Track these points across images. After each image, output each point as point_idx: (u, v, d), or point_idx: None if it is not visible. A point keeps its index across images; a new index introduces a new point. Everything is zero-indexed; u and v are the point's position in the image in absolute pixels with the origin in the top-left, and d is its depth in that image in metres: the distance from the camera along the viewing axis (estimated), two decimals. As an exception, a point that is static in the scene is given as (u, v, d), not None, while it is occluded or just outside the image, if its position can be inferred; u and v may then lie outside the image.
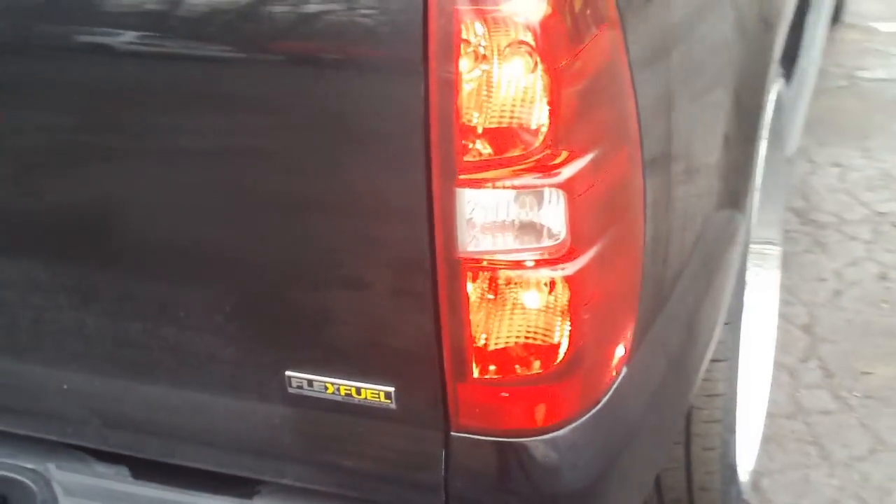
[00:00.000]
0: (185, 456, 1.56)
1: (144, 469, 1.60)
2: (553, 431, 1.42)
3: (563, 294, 1.34)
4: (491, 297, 1.33)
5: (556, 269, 1.32)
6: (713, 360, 2.10)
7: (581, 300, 1.35)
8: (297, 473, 1.52)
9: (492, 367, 1.36)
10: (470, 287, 1.32)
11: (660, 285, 1.57)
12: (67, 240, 1.47)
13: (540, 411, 1.41)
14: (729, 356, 2.16)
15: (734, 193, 1.90)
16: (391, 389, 1.40)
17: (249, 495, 1.56)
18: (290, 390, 1.44)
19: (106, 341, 1.51)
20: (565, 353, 1.37)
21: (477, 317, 1.33)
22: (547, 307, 1.33)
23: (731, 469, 2.32)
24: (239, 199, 1.35)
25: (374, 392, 1.41)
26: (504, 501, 1.45)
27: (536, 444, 1.41)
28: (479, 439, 1.41)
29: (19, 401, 1.60)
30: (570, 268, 1.32)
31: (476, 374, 1.36)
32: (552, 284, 1.33)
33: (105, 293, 1.50)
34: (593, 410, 1.45)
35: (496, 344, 1.35)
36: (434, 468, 1.44)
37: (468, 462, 1.42)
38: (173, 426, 1.55)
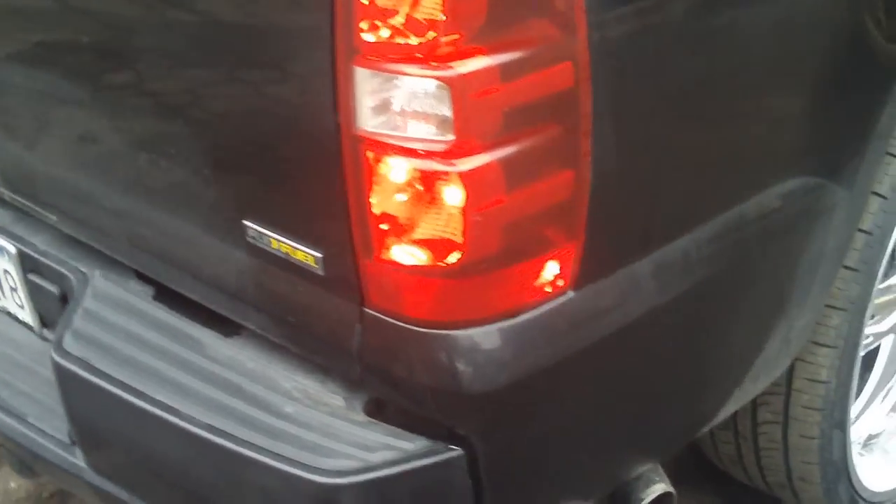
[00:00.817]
0: (184, 286, 1.72)
1: (164, 294, 1.78)
2: (451, 329, 1.45)
3: (455, 191, 1.36)
4: (389, 180, 1.37)
5: (447, 164, 1.34)
6: (816, 343, 1.99)
7: (477, 201, 1.36)
8: (257, 321, 1.65)
9: (393, 251, 1.41)
10: (368, 167, 1.37)
11: (642, 223, 1.57)
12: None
13: (439, 306, 1.44)
14: (838, 344, 2.03)
15: (827, 162, 1.83)
16: (319, 255, 1.49)
17: (230, 334, 1.70)
18: (248, 238, 1.56)
19: (131, 171, 1.73)
20: (462, 253, 1.38)
21: (377, 198, 1.38)
22: (439, 202, 1.36)
23: (835, 467, 2.18)
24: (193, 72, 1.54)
25: (305, 255, 1.50)
26: (409, 385, 1.49)
27: (434, 338, 1.45)
28: (386, 320, 1.47)
29: (81, 212, 1.85)
30: (463, 165, 1.34)
31: (381, 254, 1.42)
32: (444, 179, 1.35)
33: (126, 139, 1.74)
34: (508, 320, 1.45)
35: (395, 229, 1.40)
36: (353, 339, 1.51)
37: (378, 340, 1.48)
38: (176, 257, 1.72)
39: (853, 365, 2.10)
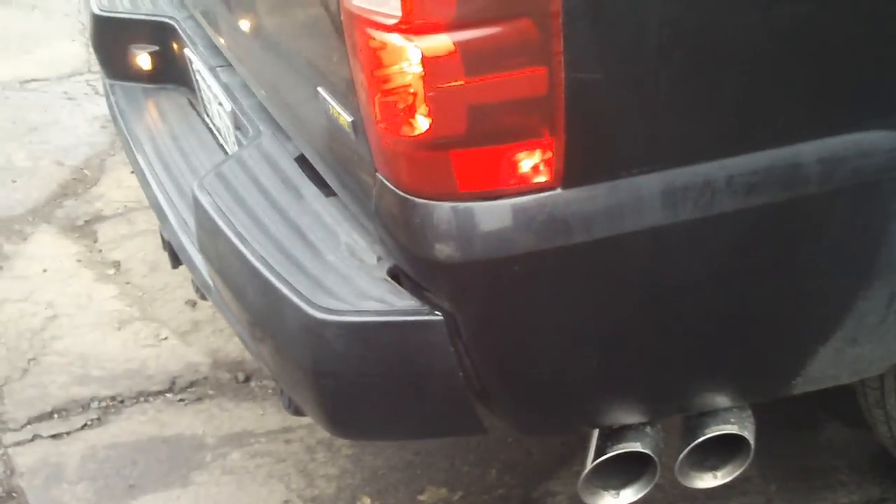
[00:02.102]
0: (306, 149, 2.04)
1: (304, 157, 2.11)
2: (430, 199, 1.63)
3: (416, 66, 1.55)
4: (370, 54, 1.58)
5: (407, 39, 1.53)
6: None
7: (436, 80, 1.53)
8: (333, 181, 1.93)
9: (384, 120, 1.63)
10: (354, 40, 1.60)
11: (644, 136, 1.61)
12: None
13: (419, 176, 1.63)
14: None
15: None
16: (350, 119, 1.74)
17: (329, 195, 2.00)
18: (319, 104, 1.84)
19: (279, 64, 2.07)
20: (429, 127, 1.57)
21: (366, 70, 1.60)
22: (405, 73, 1.56)
23: None
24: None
25: (344, 120, 1.76)
26: (399, 247, 1.70)
27: (413, 205, 1.64)
28: (386, 185, 1.67)
29: (266, 89, 2.24)
30: (422, 42, 1.52)
31: (378, 123, 1.64)
32: (407, 53, 1.54)
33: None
34: (487, 201, 1.62)
35: (383, 100, 1.61)
36: (372, 201, 1.76)
37: (384, 203, 1.69)
38: (301, 122, 2.03)
39: None
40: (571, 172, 1.57)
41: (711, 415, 1.93)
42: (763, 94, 1.61)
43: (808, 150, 1.65)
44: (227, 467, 2.56)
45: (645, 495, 2.27)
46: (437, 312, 1.66)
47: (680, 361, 1.80)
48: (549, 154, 1.55)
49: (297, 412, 1.93)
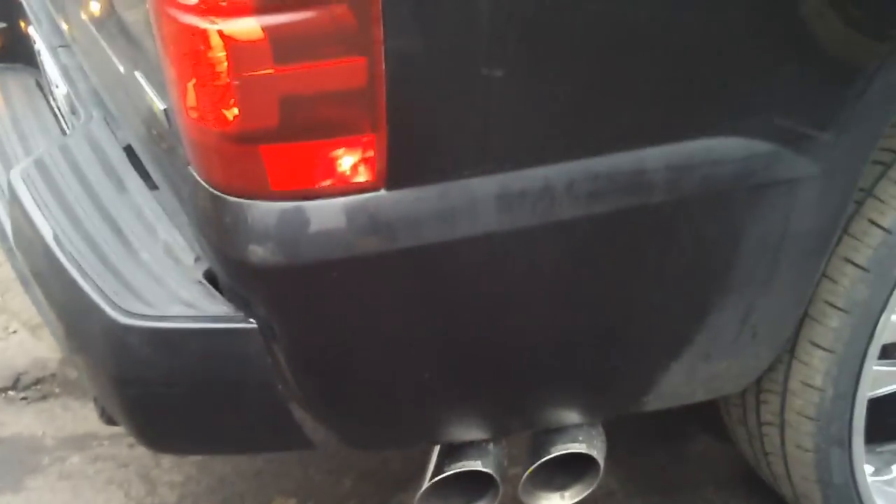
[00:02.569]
0: (130, 137, 1.88)
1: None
2: (241, 197, 1.49)
3: (219, 51, 1.40)
4: (175, 34, 1.44)
5: (209, 21, 1.38)
6: (812, 343, 1.82)
7: (242, 67, 1.39)
8: (154, 174, 1.77)
9: (191, 109, 1.47)
10: (158, 16, 1.45)
11: (475, 136, 1.49)
12: None
13: (229, 171, 1.49)
14: (837, 349, 1.84)
15: (778, 126, 1.62)
16: (162, 107, 1.59)
17: (153, 188, 1.84)
18: (137, 90, 1.68)
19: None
20: (235, 118, 1.43)
21: (172, 53, 1.45)
22: (209, 59, 1.41)
23: (839, 492, 1.97)
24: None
25: (157, 108, 1.61)
26: (211, 246, 1.56)
27: (224, 203, 1.50)
28: (197, 180, 1.54)
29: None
30: (226, 25, 1.37)
31: (186, 112, 1.49)
32: (210, 37, 1.40)
33: None
34: (302, 202, 1.47)
35: (185, 78, 1.46)
36: (188, 197, 1.61)
37: (199, 199, 1.56)
38: (119, 104, 1.87)
39: (856, 377, 1.85)
40: (396, 173, 1.44)
41: (558, 432, 1.82)
42: (605, 94, 1.49)
43: (654, 156, 1.54)
44: (64, 472, 2.41)
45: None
46: (251, 320, 1.51)
47: (520, 376, 1.68)
48: (369, 152, 1.42)
49: (110, 422, 1.78)
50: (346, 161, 1.44)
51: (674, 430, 2.54)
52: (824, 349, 1.82)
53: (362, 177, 1.44)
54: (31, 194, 1.78)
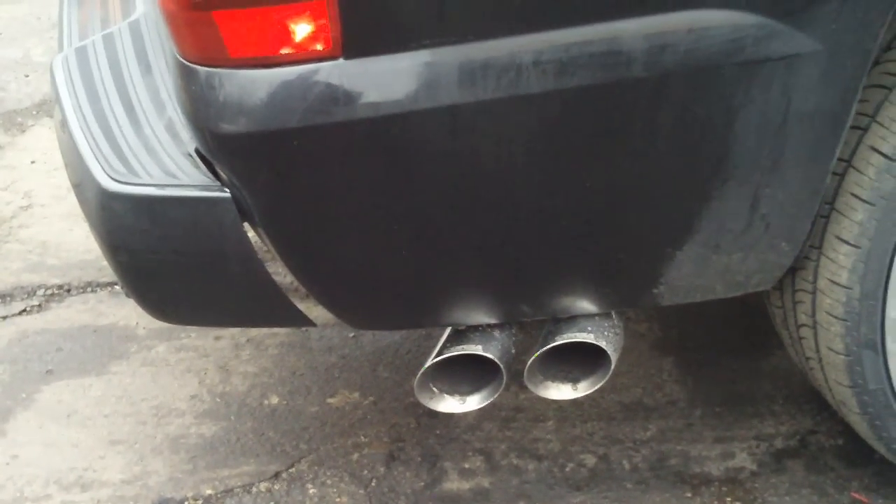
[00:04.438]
0: None
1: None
2: (205, 65, 1.54)
3: None
4: None
5: None
6: (839, 238, 1.76)
7: None
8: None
9: None
10: None
11: (434, 3, 1.48)
12: None
13: (195, 39, 1.54)
14: (862, 244, 1.76)
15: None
16: None
17: None
18: None
19: None
20: None
21: None
22: None
23: (876, 399, 1.89)
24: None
25: None
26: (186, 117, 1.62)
27: (190, 71, 1.55)
28: (176, 54, 1.60)
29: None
30: None
31: None
32: None
33: None
34: (262, 69, 1.51)
35: None
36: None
37: (180, 71, 1.62)
38: None
39: (885, 275, 1.76)
40: (352, 41, 1.45)
41: (568, 321, 1.80)
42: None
43: (631, 28, 1.48)
44: (148, 359, 2.52)
45: (559, 411, 2.16)
46: (225, 189, 1.55)
47: (506, 259, 1.66)
48: (321, 20, 1.44)
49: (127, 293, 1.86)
50: (301, 28, 1.45)
51: (749, 343, 2.45)
52: (850, 244, 1.73)
53: (319, 45, 1.45)
54: (64, 77, 1.85)
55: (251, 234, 1.64)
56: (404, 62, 1.46)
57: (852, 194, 1.70)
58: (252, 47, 1.45)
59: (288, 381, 2.44)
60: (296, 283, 1.68)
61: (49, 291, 2.77)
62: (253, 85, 1.46)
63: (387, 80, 1.47)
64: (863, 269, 1.73)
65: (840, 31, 1.51)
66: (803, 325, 1.88)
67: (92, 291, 2.78)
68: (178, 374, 2.47)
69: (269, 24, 1.43)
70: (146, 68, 1.87)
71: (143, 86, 1.82)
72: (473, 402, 1.82)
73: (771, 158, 1.60)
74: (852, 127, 1.64)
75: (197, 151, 1.63)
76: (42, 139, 3.43)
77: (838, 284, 1.76)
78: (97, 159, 1.63)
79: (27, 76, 3.78)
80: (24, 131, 3.48)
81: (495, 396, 1.81)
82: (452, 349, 1.75)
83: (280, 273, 1.70)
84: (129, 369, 2.49)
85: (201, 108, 1.49)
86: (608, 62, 1.49)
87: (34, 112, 3.59)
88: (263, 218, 1.55)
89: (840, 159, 1.67)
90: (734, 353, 2.43)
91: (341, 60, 1.45)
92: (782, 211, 1.66)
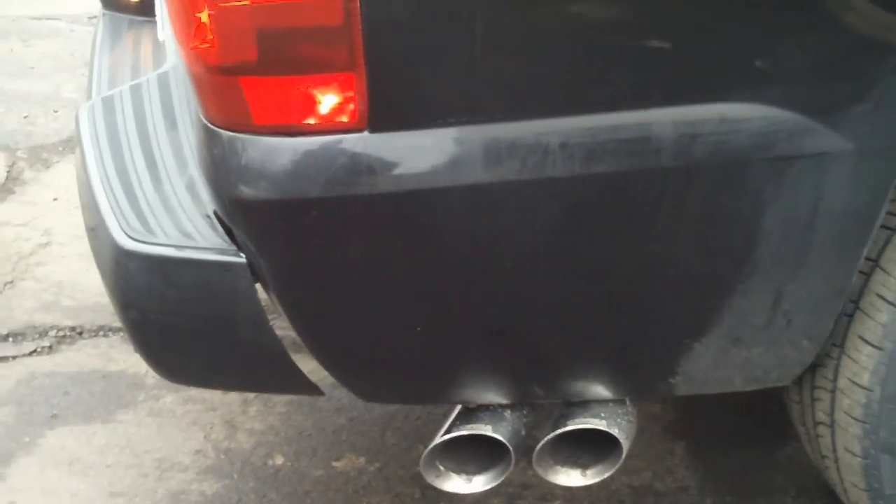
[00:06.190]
0: None
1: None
2: (228, 129, 1.53)
3: None
4: None
5: None
6: (862, 339, 1.74)
7: (219, 6, 1.42)
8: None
9: (179, 26, 1.52)
10: None
11: (460, 82, 1.46)
12: None
13: (219, 103, 1.52)
14: (885, 346, 1.73)
15: (801, 95, 1.52)
16: None
17: None
18: None
19: None
20: (216, 48, 1.46)
21: None
22: None
23: (888, 501, 1.85)
24: None
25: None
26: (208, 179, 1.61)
27: (213, 134, 1.54)
28: (200, 116, 1.59)
29: None
30: None
31: (177, 27, 1.54)
32: None
33: None
34: (285, 137, 1.50)
35: (176, 7, 1.51)
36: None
37: (204, 135, 1.61)
38: None
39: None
40: (378, 115, 1.43)
41: (581, 406, 1.76)
42: (608, 46, 1.42)
43: (662, 117, 1.45)
44: (155, 409, 2.50)
45: (567, 490, 2.12)
46: (241, 254, 1.53)
47: (523, 341, 1.63)
48: (349, 92, 1.41)
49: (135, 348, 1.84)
50: (327, 99, 1.43)
51: (766, 432, 2.41)
52: (873, 346, 1.69)
53: (345, 117, 1.44)
54: (88, 126, 1.84)
55: (263, 295, 1.60)
56: (430, 139, 1.44)
57: (878, 294, 1.67)
58: (277, 115, 1.43)
59: (294, 440, 2.41)
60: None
61: (61, 333, 2.75)
62: (275, 152, 1.44)
63: (411, 155, 1.45)
64: (885, 371, 1.69)
65: (873, 131, 1.48)
66: (821, 423, 1.84)
67: (104, 336, 2.76)
68: (183, 426, 2.45)
69: (295, 93, 1.41)
70: (171, 123, 1.85)
71: (166, 141, 1.81)
72: (480, 483, 1.78)
73: (797, 255, 1.57)
74: (881, 227, 1.60)
75: (215, 213, 1.60)
76: (66, 176, 3.43)
77: (859, 385, 1.72)
78: (115, 214, 1.61)
79: (56, 112, 3.79)
80: (48, 167, 3.48)
81: (503, 478, 1.78)
82: (462, 428, 1.72)
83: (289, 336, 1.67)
84: (136, 419, 2.47)
85: (222, 172, 1.47)
86: (637, 149, 1.46)
87: (60, 148, 3.59)
88: (277, 284, 1.53)
89: (867, 258, 1.63)
90: (748, 440, 2.39)
91: (366, 133, 1.43)
92: (805, 308, 1.63)
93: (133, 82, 1.99)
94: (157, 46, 2.48)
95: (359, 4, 1.37)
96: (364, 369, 1.67)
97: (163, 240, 1.57)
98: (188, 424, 2.45)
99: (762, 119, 1.47)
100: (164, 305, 1.59)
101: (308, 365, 1.68)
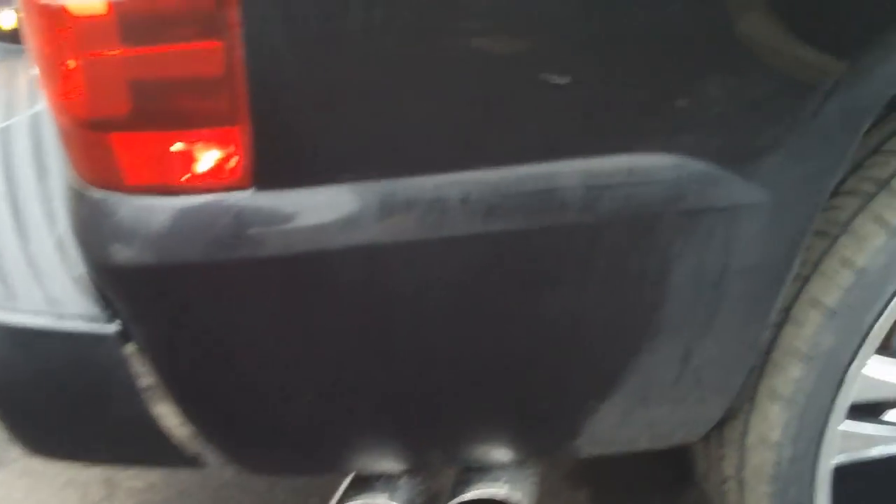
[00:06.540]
0: None
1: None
2: (99, 188, 1.39)
3: (65, 28, 1.30)
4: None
5: None
6: (771, 393, 1.65)
7: (87, 47, 1.29)
8: None
9: (44, 76, 1.38)
10: None
11: (355, 136, 1.35)
12: None
13: (89, 160, 1.39)
14: (798, 400, 1.65)
15: (711, 144, 1.44)
16: None
17: None
18: None
19: None
20: (83, 101, 1.33)
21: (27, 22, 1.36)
22: (56, 37, 1.31)
23: None
24: None
25: None
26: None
27: (81, 195, 1.40)
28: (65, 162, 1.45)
29: None
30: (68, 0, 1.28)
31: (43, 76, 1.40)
32: (54, 12, 1.30)
33: None
34: (162, 197, 1.37)
35: (41, 56, 1.36)
36: None
37: (66, 182, 1.47)
38: None
39: (818, 436, 1.65)
40: (264, 172, 1.31)
41: (481, 471, 1.66)
42: (509, 95, 1.32)
43: (567, 170, 1.35)
44: (28, 469, 2.33)
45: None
46: (113, 323, 1.39)
47: (415, 405, 1.52)
48: (231, 148, 1.29)
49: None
50: (206, 156, 1.31)
51: (669, 475, 2.34)
52: (783, 399, 1.61)
53: (226, 174, 1.31)
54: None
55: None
56: (321, 197, 1.33)
57: (790, 347, 1.60)
58: (152, 174, 1.32)
59: (176, 499, 2.27)
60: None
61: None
62: (150, 213, 1.31)
63: (301, 215, 1.34)
64: (796, 427, 1.62)
65: (789, 181, 1.41)
66: (728, 479, 1.76)
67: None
68: (57, 486, 2.30)
69: (172, 150, 1.29)
70: (42, 171, 1.71)
71: (35, 193, 1.67)
72: (377, 554, 1.67)
73: (707, 311, 1.49)
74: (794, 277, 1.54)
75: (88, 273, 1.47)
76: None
77: (768, 442, 1.65)
78: (-28, 281, 1.46)
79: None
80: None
81: None
82: (355, 498, 1.61)
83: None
84: (7, 480, 2.31)
85: (91, 234, 1.34)
86: (541, 204, 1.37)
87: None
88: (153, 354, 1.40)
89: (780, 309, 1.56)
90: (652, 484, 2.32)
91: (251, 192, 1.31)
92: (715, 364, 1.56)
93: (2, 124, 1.84)
94: (33, 80, 2.32)
95: (243, 54, 1.24)
96: (251, 441, 1.55)
97: (26, 306, 1.42)
98: (63, 485, 2.30)
99: (672, 169, 1.38)
100: (27, 379, 1.45)
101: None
